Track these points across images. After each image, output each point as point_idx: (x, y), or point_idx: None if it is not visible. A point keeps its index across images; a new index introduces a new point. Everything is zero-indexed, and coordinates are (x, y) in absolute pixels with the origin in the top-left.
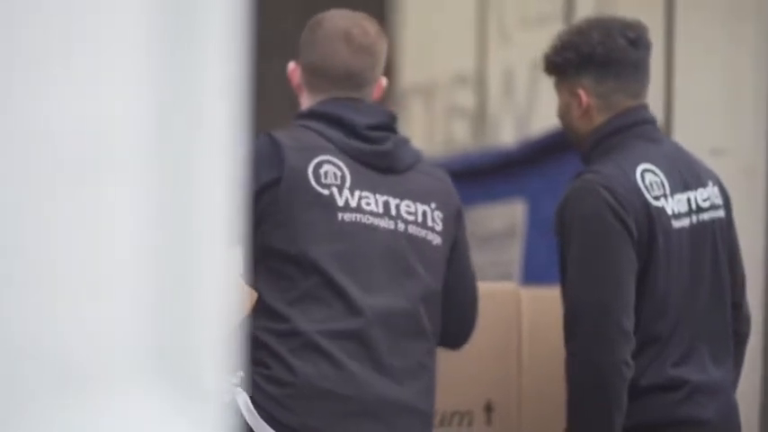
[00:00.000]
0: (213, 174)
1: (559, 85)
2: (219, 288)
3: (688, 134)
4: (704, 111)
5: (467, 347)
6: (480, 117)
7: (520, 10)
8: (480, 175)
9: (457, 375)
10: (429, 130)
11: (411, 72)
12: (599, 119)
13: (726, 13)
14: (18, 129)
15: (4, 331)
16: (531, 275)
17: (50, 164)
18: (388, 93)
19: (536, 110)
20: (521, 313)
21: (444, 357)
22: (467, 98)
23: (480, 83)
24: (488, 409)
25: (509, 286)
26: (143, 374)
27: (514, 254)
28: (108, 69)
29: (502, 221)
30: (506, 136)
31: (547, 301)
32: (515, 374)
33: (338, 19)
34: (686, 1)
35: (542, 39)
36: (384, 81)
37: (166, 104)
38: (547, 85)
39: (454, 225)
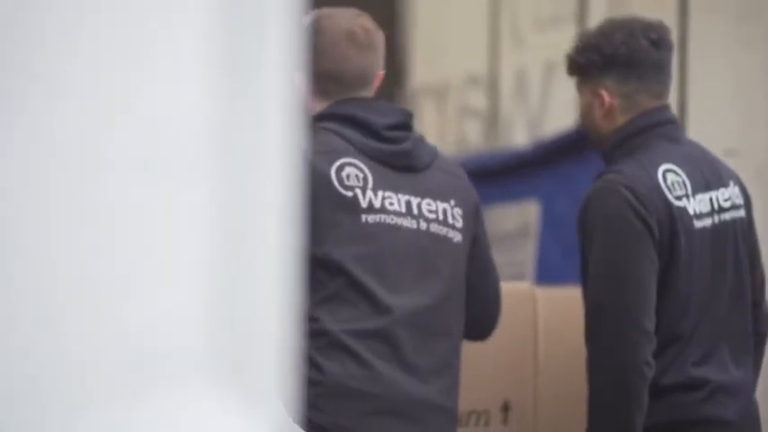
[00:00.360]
0: (272, 170)
1: (582, 86)
2: (278, 288)
3: (701, 135)
4: (717, 112)
5: (483, 347)
6: (493, 118)
7: (533, 11)
8: (493, 176)
9: (474, 375)
10: (441, 131)
11: (423, 73)
12: (622, 119)
13: (739, 15)
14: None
15: (64, 331)
16: (544, 275)
17: (108, 159)
18: (400, 93)
19: (549, 111)
20: (537, 313)
21: (461, 357)
22: (479, 99)
23: (493, 84)
24: (505, 408)
25: (524, 286)
26: (202, 373)
27: (528, 254)
28: (154, 67)
29: (515, 222)
30: (519, 137)
31: (562, 302)
32: (532, 374)
33: (337, 19)
34: (699, 2)
35: (555, 40)
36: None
37: (226, 100)
38: (559, 86)
39: (473, 221)
